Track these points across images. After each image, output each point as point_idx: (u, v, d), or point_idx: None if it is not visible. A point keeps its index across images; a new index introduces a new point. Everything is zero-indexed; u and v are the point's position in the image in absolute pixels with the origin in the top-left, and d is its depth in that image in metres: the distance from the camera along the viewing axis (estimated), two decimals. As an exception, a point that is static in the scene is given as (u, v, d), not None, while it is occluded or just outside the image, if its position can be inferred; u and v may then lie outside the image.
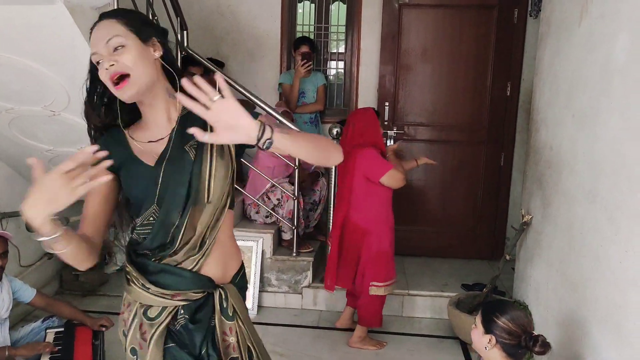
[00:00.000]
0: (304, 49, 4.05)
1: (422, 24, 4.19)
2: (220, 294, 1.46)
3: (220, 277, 1.49)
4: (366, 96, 4.39)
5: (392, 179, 3.02)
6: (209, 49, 4.27)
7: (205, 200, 1.38)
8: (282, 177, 3.81)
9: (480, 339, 1.96)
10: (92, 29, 1.34)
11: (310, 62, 4.06)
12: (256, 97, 3.59)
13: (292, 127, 3.53)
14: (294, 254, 3.74)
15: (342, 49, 4.50)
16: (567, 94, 2.77)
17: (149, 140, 1.41)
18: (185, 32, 3.46)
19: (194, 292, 1.43)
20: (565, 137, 2.75)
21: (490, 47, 4.15)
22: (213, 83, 1.13)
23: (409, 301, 3.72)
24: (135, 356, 1.46)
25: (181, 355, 1.42)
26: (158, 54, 1.35)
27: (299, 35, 4.38)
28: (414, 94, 4.28)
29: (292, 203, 3.70)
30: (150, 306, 1.43)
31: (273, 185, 3.72)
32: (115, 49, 1.28)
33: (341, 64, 4.53)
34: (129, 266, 1.45)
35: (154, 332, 1.41)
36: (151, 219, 1.40)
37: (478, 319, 2.00)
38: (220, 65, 4.24)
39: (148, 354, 1.41)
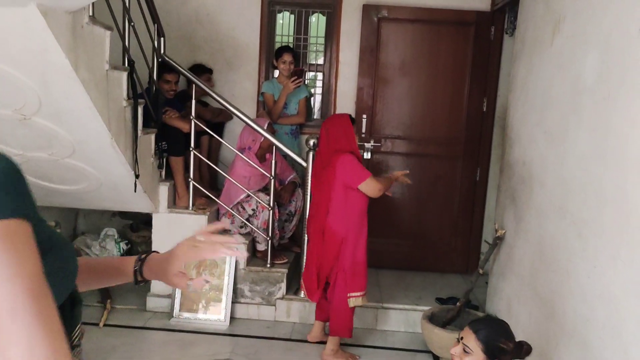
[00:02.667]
0: (286, 57, 4.06)
1: (401, 38, 4.23)
2: None
3: None
4: (344, 108, 4.39)
5: (369, 187, 3.02)
6: (187, 57, 4.25)
7: None
8: (258, 187, 3.79)
9: None
10: None
11: (301, 80, 4.08)
12: (234, 107, 3.58)
13: (273, 140, 3.55)
14: (269, 265, 3.71)
15: (320, 61, 4.52)
16: (539, 111, 2.81)
17: None
18: (162, 38, 3.45)
19: None
20: (536, 153, 2.79)
21: (468, 63, 4.21)
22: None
23: (383, 314, 3.71)
24: None
25: None
26: None
27: (278, 45, 4.38)
28: (391, 107, 4.30)
29: (268, 213, 3.68)
30: None
31: (248, 196, 3.70)
32: None
33: (320, 76, 4.54)
34: None
35: None
36: None
37: (476, 345, 1.89)
38: (208, 71, 4.23)
39: None
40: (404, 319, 3.70)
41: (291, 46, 4.37)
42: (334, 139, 3.10)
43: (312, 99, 4.54)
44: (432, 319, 3.29)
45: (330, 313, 3.22)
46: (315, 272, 3.18)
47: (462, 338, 1.96)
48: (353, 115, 4.08)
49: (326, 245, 3.12)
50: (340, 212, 3.07)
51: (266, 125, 3.72)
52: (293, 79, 4.04)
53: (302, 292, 3.45)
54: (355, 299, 3.12)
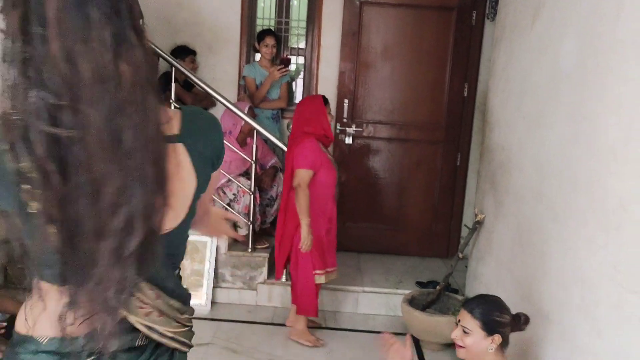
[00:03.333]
0: (268, 40, 4.03)
1: (383, 23, 4.21)
2: None
3: None
4: (326, 92, 4.33)
5: (297, 176, 3.04)
6: (167, 40, 4.19)
7: None
8: (239, 172, 3.77)
9: (479, 345, 1.91)
10: None
11: (287, 69, 4.05)
12: (215, 92, 3.54)
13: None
14: (250, 250, 3.71)
15: (302, 45, 4.49)
16: (518, 96, 2.83)
17: None
18: (141, 20, 3.38)
19: None
20: (515, 138, 2.81)
21: (449, 48, 4.20)
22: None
23: (364, 298, 3.74)
24: None
25: None
26: None
27: (259, 29, 4.34)
28: (373, 92, 4.30)
29: (249, 198, 3.67)
30: None
31: (229, 180, 3.68)
32: None
33: (301, 59, 4.51)
34: None
35: None
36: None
37: (473, 324, 1.93)
38: (192, 52, 4.18)
39: None
40: (384, 303, 3.74)
41: (272, 29, 4.32)
42: (304, 121, 3.12)
43: (293, 83, 4.51)
44: (412, 302, 3.33)
45: (293, 292, 3.25)
46: (277, 250, 3.26)
47: (459, 321, 1.99)
48: (335, 104, 4.10)
49: (286, 223, 3.17)
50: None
51: (247, 109, 3.69)
52: (279, 67, 4.01)
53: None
54: (318, 277, 3.16)
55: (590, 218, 1.98)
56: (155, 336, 1.01)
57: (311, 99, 3.31)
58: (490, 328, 1.93)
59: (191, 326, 1.11)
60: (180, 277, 1.14)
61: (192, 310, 1.10)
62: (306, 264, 3.13)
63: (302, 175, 3.02)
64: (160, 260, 0.94)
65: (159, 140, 0.88)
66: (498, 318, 1.93)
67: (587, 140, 2.04)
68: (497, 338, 1.92)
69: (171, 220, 0.96)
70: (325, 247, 3.21)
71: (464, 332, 1.96)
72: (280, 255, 3.27)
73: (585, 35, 2.12)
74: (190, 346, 1.10)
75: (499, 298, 2.05)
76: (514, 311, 2.51)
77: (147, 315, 0.99)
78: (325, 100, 3.18)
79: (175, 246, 1.06)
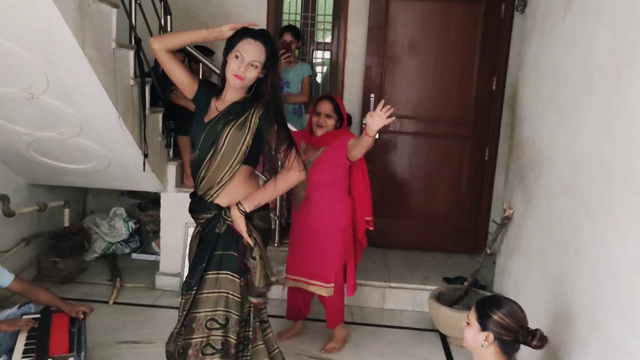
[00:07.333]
0: (285, 37, 4.00)
1: (410, 16, 4.17)
2: (224, 211, 2.16)
3: (227, 204, 2.17)
4: (352, 87, 4.38)
5: None
6: (195, 36, 4.21)
7: (219, 153, 2.10)
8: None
9: (475, 337, 1.90)
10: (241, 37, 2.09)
11: (290, 53, 4.00)
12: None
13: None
14: (276, 244, 3.73)
15: (328, 39, 4.48)
16: (549, 89, 2.77)
17: (217, 108, 2.16)
18: (169, 17, 3.42)
19: (205, 214, 2.19)
20: (546, 132, 2.76)
21: (477, 41, 4.15)
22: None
23: (391, 294, 3.73)
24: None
25: (201, 248, 2.21)
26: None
27: (285, 24, 4.34)
28: (400, 86, 4.27)
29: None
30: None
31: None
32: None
33: (327, 54, 4.50)
34: None
35: (193, 235, 2.28)
36: (194, 158, 2.17)
37: (472, 316, 1.94)
38: (209, 53, 4.20)
39: (189, 246, 2.33)
40: (411, 298, 3.72)
41: (298, 25, 4.32)
42: None
43: (315, 78, 4.49)
44: (439, 298, 3.31)
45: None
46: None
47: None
48: (361, 99, 4.09)
49: None
50: None
51: None
52: (281, 52, 3.97)
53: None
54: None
55: (624, 213, 1.93)
56: None
57: None
58: (483, 323, 1.90)
59: None
60: None
61: None
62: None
63: None
64: None
65: None
66: (493, 315, 1.87)
67: (621, 133, 1.99)
68: (490, 336, 1.87)
69: None
70: (297, 252, 3.12)
71: (467, 323, 1.97)
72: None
73: (620, 26, 2.06)
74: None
75: (512, 303, 1.93)
76: (543, 308, 2.48)
77: None
78: (321, 98, 3.05)
79: None
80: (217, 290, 2.17)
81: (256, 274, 2.15)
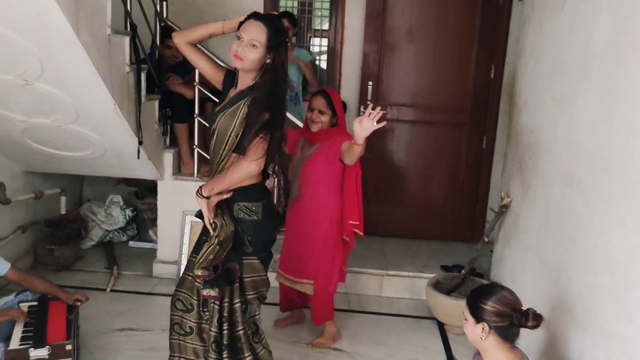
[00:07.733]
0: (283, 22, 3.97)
1: (408, 3, 4.14)
2: None
3: None
4: (349, 74, 4.35)
5: None
6: (190, 22, 4.14)
7: (214, 140, 2.17)
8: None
9: (473, 332, 1.88)
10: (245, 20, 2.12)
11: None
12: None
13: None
14: (274, 232, 3.71)
15: (326, 26, 4.45)
16: (548, 77, 2.76)
17: (229, 96, 2.19)
18: (165, 3, 3.39)
19: None
20: (545, 120, 2.75)
21: (475, 29, 4.12)
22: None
23: (388, 281, 3.73)
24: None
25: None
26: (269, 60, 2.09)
27: (282, 10, 4.30)
28: (397, 74, 4.24)
29: (273, 181, 3.67)
30: None
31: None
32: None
33: (325, 41, 4.47)
34: None
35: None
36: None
37: (466, 311, 1.92)
38: None
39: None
40: (409, 286, 3.73)
41: (295, 11, 4.28)
42: None
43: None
44: (437, 286, 3.31)
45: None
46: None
47: None
48: (358, 86, 4.05)
49: None
50: None
51: None
52: None
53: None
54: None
55: (622, 201, 1.93)
56: None
57: None
58: (476, 315, 1.87)
59: None
60: None
61: None
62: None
63: None
64: None
65: None
66: (484, 305, 1.84)
67: (620, 121, 1.98)
68: (485, 327, 1.84)
69: None
70: (287, 248, 3.13)
71: (465, 319, 1.94)
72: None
73: (619, 13, 2.05)
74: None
75: (500, 288, 1.90)
76: (540, 296, 2.48)
77: None
78: (315, 93, 3.00)
79: None
80: (191, 274, 2.27)
81: (203, 253, 2.11)
